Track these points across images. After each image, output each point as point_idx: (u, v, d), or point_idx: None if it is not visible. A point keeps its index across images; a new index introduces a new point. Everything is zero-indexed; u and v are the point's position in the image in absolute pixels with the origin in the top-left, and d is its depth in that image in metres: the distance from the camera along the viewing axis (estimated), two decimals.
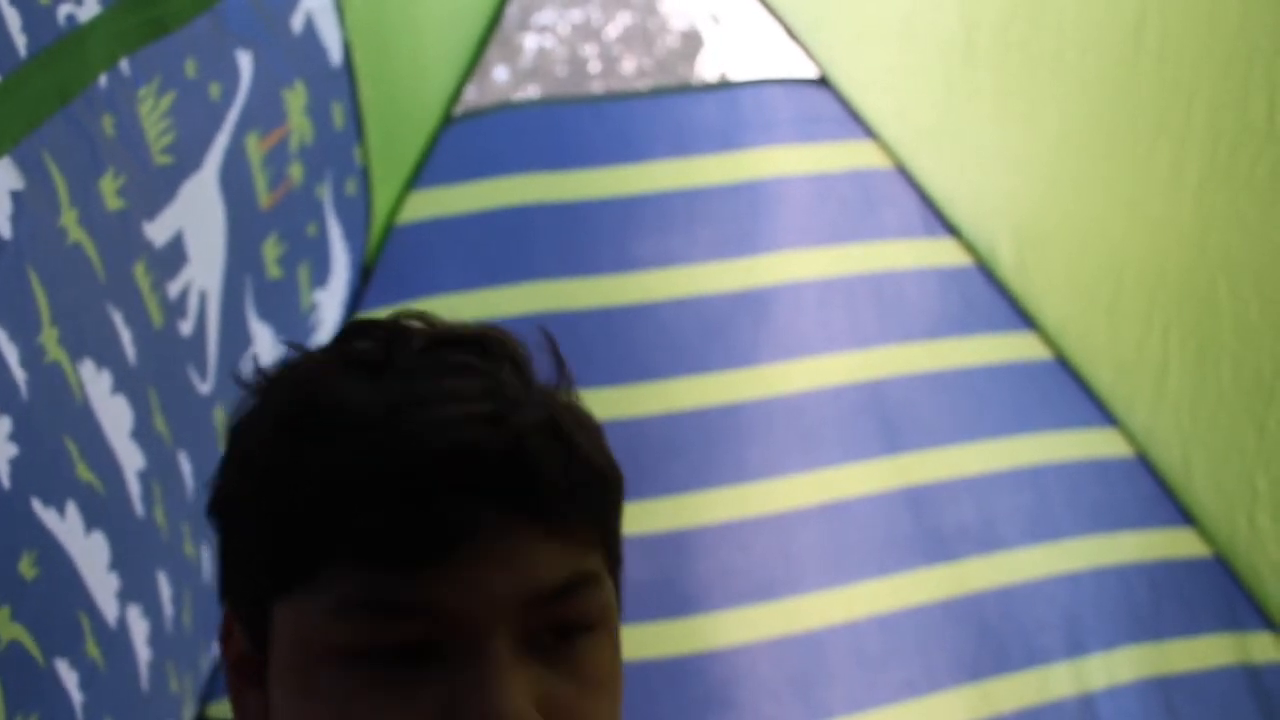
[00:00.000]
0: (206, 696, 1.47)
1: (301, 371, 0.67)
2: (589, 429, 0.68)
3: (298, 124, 1.33)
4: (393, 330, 0.67)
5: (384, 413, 0.61)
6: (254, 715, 0.68)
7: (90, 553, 0.94)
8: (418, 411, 0.61)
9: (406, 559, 0.60)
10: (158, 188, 1.06)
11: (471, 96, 1.85)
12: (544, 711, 0.61)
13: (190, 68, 1.07)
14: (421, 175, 1.78)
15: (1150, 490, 1.76)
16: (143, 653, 1.06)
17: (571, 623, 0.63)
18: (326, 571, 0.61)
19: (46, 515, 0.87)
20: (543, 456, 0.62)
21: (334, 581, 0.61)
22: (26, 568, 0.84)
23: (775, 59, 2.11)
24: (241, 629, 0.68)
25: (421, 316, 0.69)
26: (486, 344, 0.67)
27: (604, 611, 0.66)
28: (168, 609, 1.12)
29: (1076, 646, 1.72)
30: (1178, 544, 1.74)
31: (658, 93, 1.94)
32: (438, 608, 0.60)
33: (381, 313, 1.85)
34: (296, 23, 1.29)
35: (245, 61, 1.18)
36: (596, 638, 0.65)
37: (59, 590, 0.90)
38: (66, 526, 0.90)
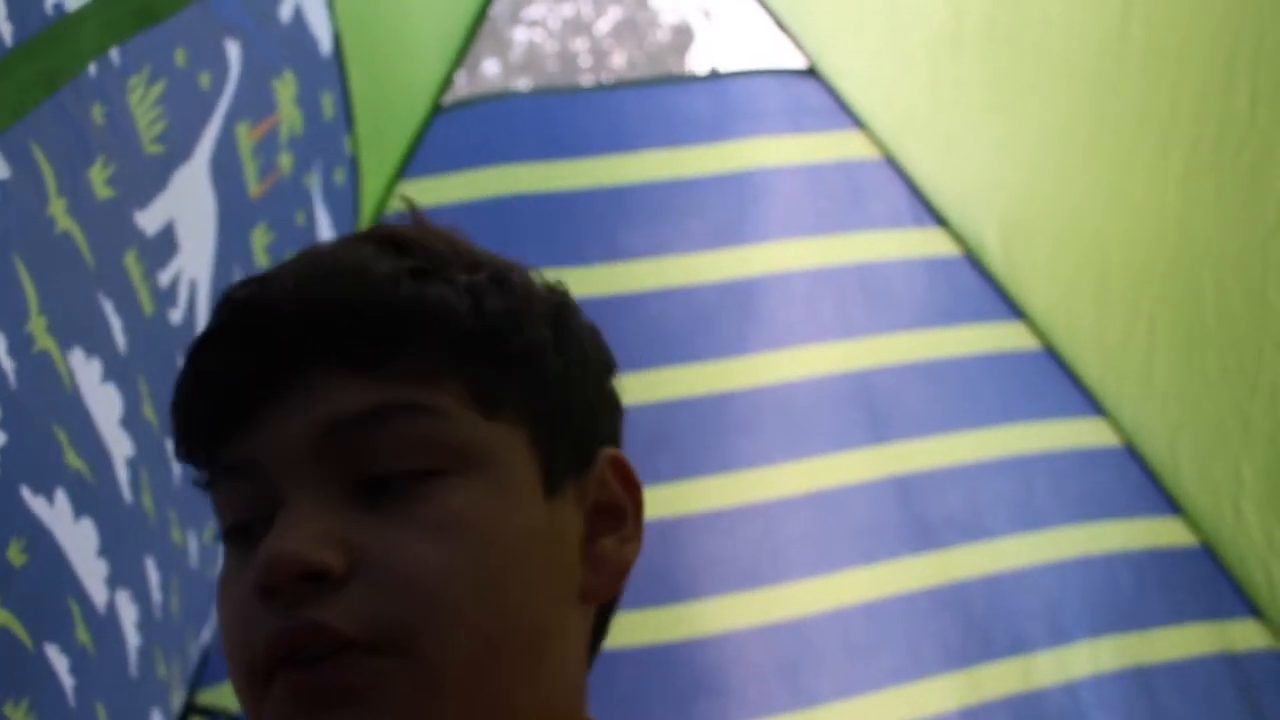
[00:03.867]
0: (196, 684, 1.48)
1: None
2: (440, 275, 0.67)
3: (288, 114, 1.33)
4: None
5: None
6: None
7: (79, 539, 0.95)
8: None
9: (226, 432, 0.63)
10: (149, 177, 1.06)
11: (462, 90, 1.85)
12: (351, 554, 0.59)
13: (180, 57, 1.07)
14: (411, 165, 1.79)
15: (1137, 479, 1.76)
16: (132, 638, 1.07)
17: (390, 453, 0.61)
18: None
19: (35, 503, 0.88)
20: (308, 305, 0.62)
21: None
22: (15, 554, 0.85)
23: (766, 53, 2.11)
24: None
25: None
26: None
27: (454, 450, 0.62)
28: (156, 595, 1.13)
29: (1061, 635, 1.73)
30: (1164, 533, 1.75)
31: (647, 83, 1.94)
32: (248, 461, 0.62)
33: None
34: (284, 12, 1.29)
35: (234, 51, 1.19)
36: (454, 480, 0.61)
37: (48, 577, 0.90)
38: (55, 513, 0.91)
